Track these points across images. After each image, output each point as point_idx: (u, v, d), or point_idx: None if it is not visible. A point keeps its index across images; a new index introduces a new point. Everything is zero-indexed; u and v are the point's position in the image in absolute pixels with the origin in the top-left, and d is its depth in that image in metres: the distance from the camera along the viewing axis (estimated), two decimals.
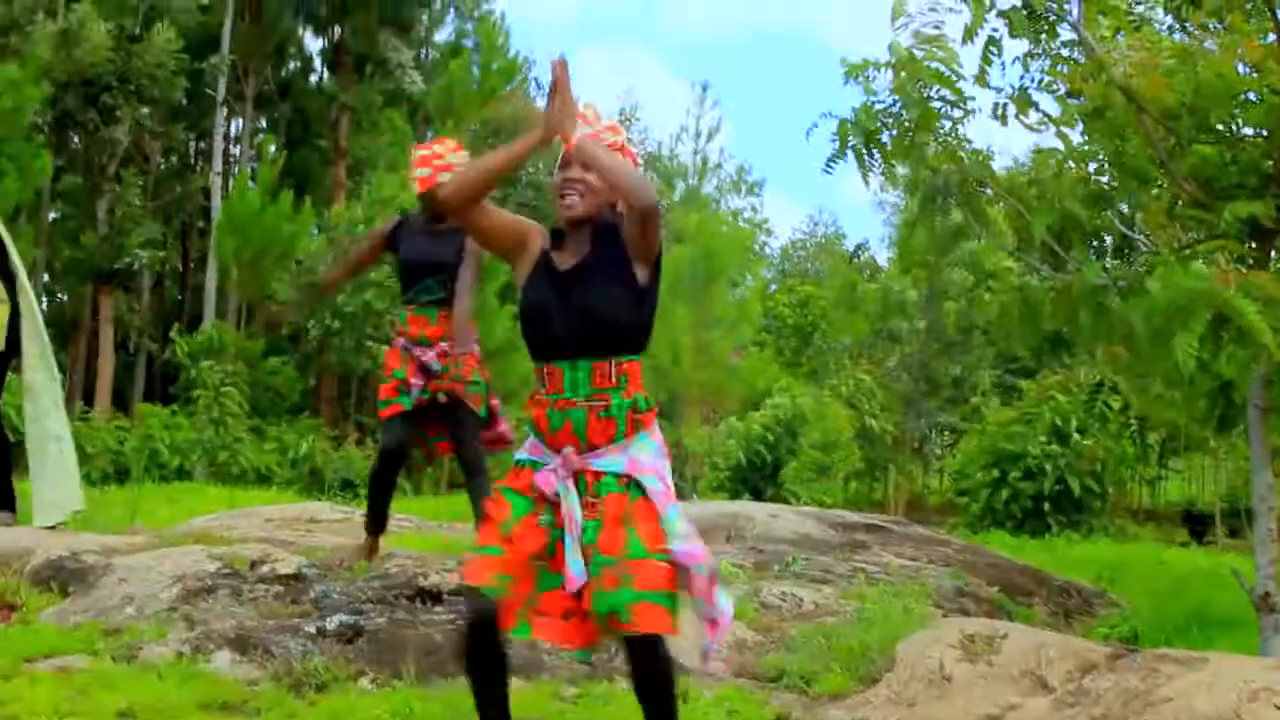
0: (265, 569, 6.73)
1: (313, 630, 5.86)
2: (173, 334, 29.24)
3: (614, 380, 4.01)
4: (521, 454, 4.16)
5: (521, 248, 4.16)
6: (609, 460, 3.99)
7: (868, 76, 7.72)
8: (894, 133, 7.77)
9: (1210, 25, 8.18)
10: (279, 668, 5.46)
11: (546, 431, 4.05)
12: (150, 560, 6.85)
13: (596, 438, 4.00)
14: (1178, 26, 8.43)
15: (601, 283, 4.02)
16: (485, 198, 4.10)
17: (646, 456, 4.04)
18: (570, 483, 3.97)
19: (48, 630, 5.94)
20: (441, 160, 6.86)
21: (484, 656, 4.07)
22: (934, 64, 7.49)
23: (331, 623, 5.94)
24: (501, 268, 17.89)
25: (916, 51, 7.53)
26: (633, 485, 3.98)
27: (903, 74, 7.57)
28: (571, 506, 3.95)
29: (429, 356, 6.90)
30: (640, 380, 4.11)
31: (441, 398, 6.93)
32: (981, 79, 7.67)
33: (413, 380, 6.91)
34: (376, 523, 7.25)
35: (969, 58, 7.65)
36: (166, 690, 5.06)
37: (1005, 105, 7.88)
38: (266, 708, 5.02)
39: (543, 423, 4.05)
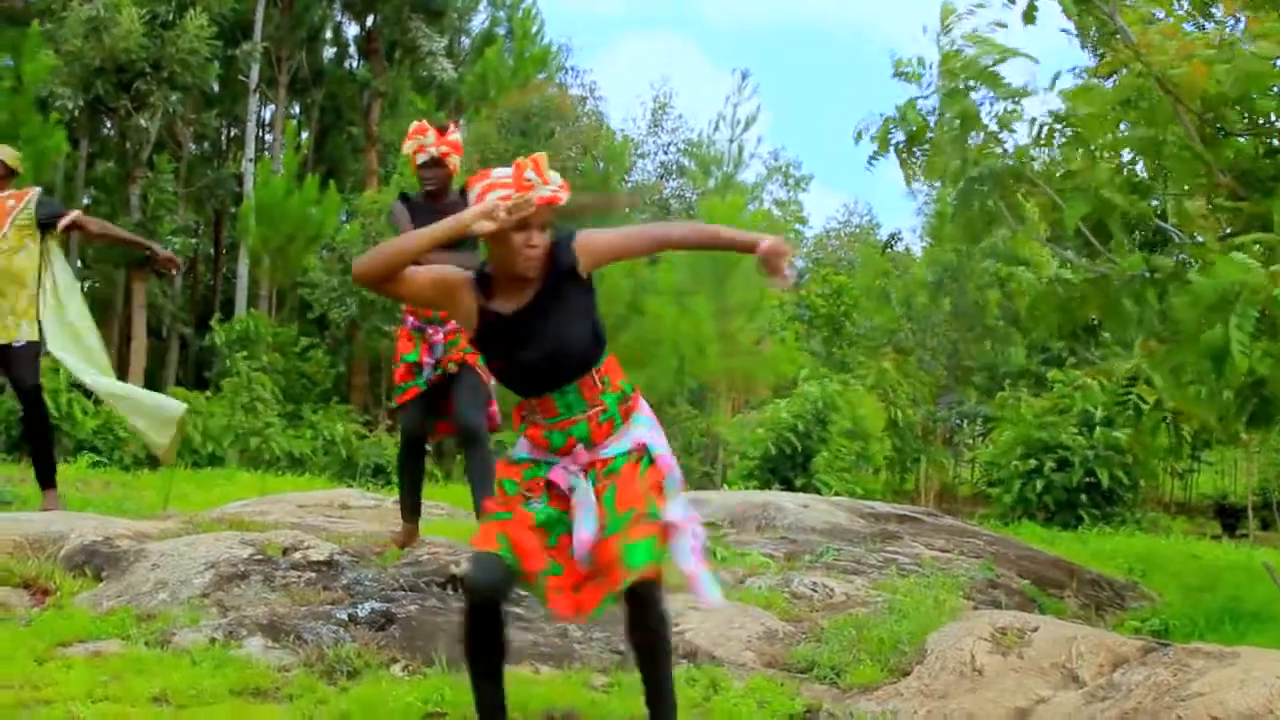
0: (297, 555, 6.76)
1: (344, 617, 5.87)
2: (212, 323, 29.39)
3: (601, 386, 4.18)
4: (519, 453, 4.30)
5: (449, 299, 4.19)
6: (614, 447, 4.18)
7: (917, 73, 7.75)
8: (935, 132, 7.79)
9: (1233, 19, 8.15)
10: (311, 654, 5.48)
11: (548, 449, 4.20)
12: (183, 546, 6.88)
13: (599, 437, 4.17)
14: (1198, 19, 8.40)
15: (564, 315, 4.14)
16: (398, 277, 4.08)
17: (645, 431, 4.26)
18: (583, 475, 4.14)
19: (81, 615, 5.96)
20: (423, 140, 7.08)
21: (485, 633, 4.20)
22: (986, 59, 7.51)
23: (363, 610, 5.96)
24: None
25: (966, 50, 7.56)
26: (645, 456, 4.20)
27: (949, 72, 7.59)
28: (584, 496, 4.11)
29: (439, 337, 6.93)
30: (617, 369, 4.28)
31: (453, 368, 6.96)
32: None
33: (425, 360, 6.96)
34: (412, 508, 7.29)
35: (1016, 35, 7.72)
36: (199, 676, 5.08)
37: (1043, 126, 7.91)
38: (298, 694, 5.03)
39: (543, 442, 4.21)
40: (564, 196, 4.08)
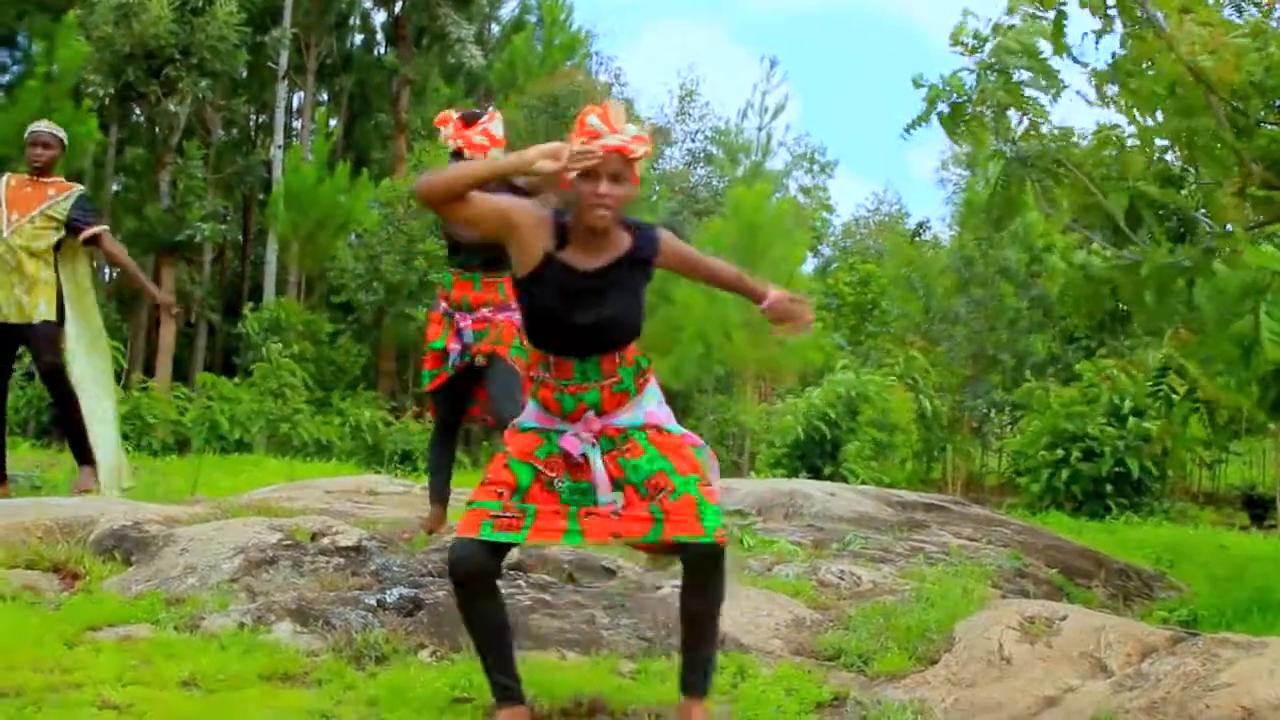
0: (326, 541, 6.77)
1: (373, 602, 5.88)
2: (245, 310, 29.51)
3: (619, 361, 4.22)
4: (526, 421, 4.34)
5: (509, 232, 4.14)
6: (626, 417, 4.23)
7: (974, 46, 7.74)
8: (984, 108, 7.78)
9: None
10: (339, 639, 5.48)
11: (559, 412, 4.24)
12: (212, 531, 6.89)
13: (610, 406, 4.21)
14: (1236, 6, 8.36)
15: (624, 293, 4.19)
16: (461, 198, 4.05)
17: (655, 406, 4.31)
18: (594, 442, 4.17)
19: (110, 599, 5.98)
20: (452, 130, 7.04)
21: (480, 613, 4.26)
22: (1037, 39, 7.51)
23: (391, 595, 5.97)
24: None
25: (1015, 28, 7.56)
26: (662, 431, 4.26)
27: (998, 47, 7.59)
28: (597, 466, 4.15)
29: (466, 324, 6.93)
30: (632, 345, 4.30)
31: (480, 360, 6.95)
32: (1059, 45, 7.65)
33: (451, 345, 6.95)
34: (440, 494, 7.32)
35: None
36: (228, 660, 5.09)
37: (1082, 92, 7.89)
38: (326, 679, 5.04)
39: (554, 405, 4.24)
40: (636, 148, 4.05)
